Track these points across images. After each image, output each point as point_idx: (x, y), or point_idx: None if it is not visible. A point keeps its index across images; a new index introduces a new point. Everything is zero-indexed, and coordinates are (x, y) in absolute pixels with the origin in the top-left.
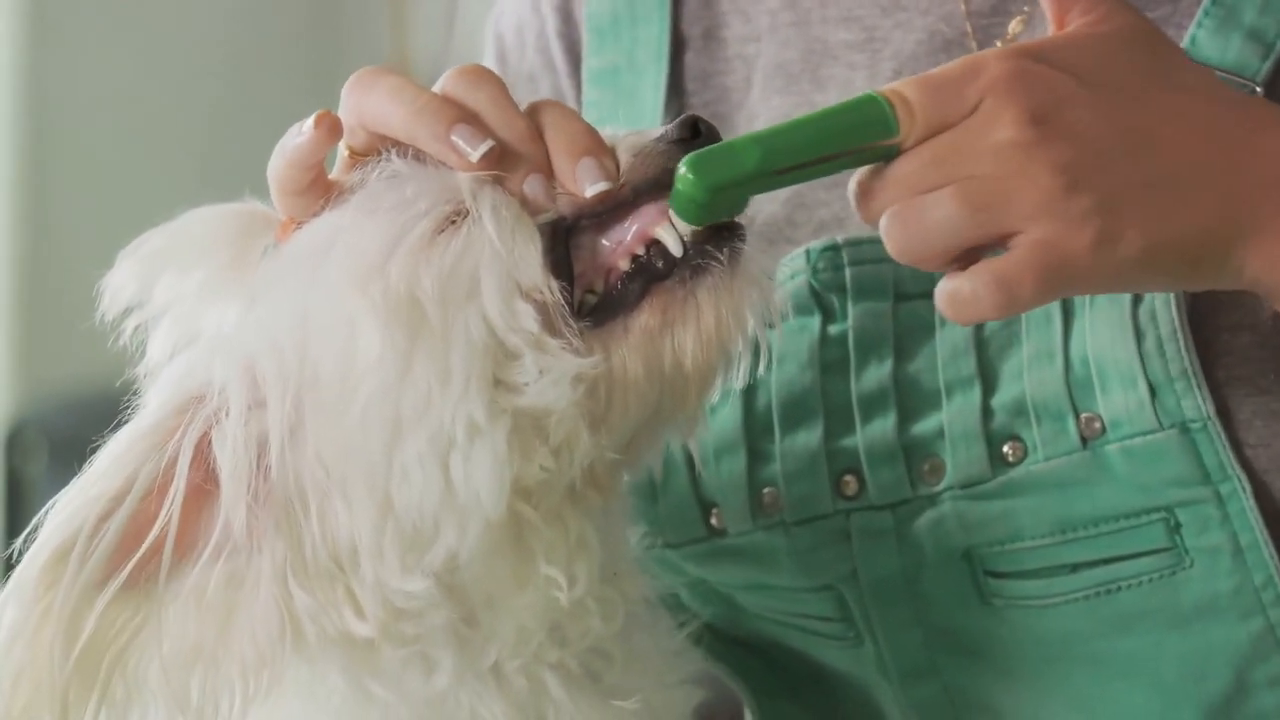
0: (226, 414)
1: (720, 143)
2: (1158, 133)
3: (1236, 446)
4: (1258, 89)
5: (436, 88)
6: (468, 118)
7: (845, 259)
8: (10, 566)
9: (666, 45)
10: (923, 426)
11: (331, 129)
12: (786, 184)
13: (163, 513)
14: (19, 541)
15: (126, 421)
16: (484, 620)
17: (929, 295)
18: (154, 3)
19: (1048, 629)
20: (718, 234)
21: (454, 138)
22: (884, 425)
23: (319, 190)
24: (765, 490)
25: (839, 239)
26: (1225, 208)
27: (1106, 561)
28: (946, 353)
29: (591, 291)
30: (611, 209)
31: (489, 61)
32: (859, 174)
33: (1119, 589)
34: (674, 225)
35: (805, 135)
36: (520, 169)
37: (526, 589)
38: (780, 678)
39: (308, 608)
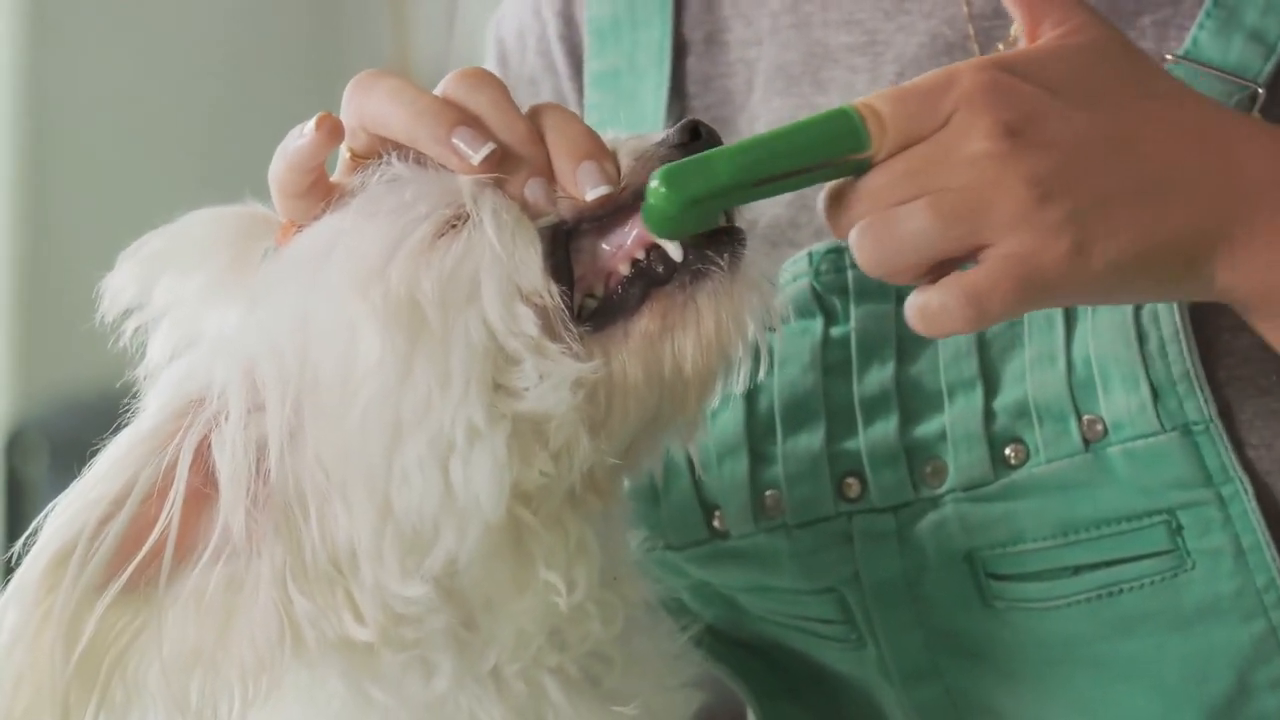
0: (226, 417)
1: (693, 156)
2: (1131, 144)
3: (1238, 448)
4: (1260, 90)
5: (438, 90)
6: (469, 120)
7: (848, 261)
8: (10, 569)
9: (668, 48)
10: (925, 429)
11: (332, 131)
12: (759, 197)
13: (163, 516)
14: (19, 544)
15: (126, 424)
16: (483, 624)
17: None
18: (154, 3)
19: (1049, 631)
20: (718, 239)
21: (455, 140)
22: (886, 427)
23: (320, 193)
24: (767, 492)
25: (842, 241)
26: (1198, 216)
27: (1108, 564)
28: (948, 355)
29: (592, 296)
30: (612, 213)
31: (490, 65)
32: (829, 187)
33: (1121, 591)
34: None
35: (777, 149)
36: (521, 172)
37: (526, 593)
38: (782, 679)
39: (307, 611)
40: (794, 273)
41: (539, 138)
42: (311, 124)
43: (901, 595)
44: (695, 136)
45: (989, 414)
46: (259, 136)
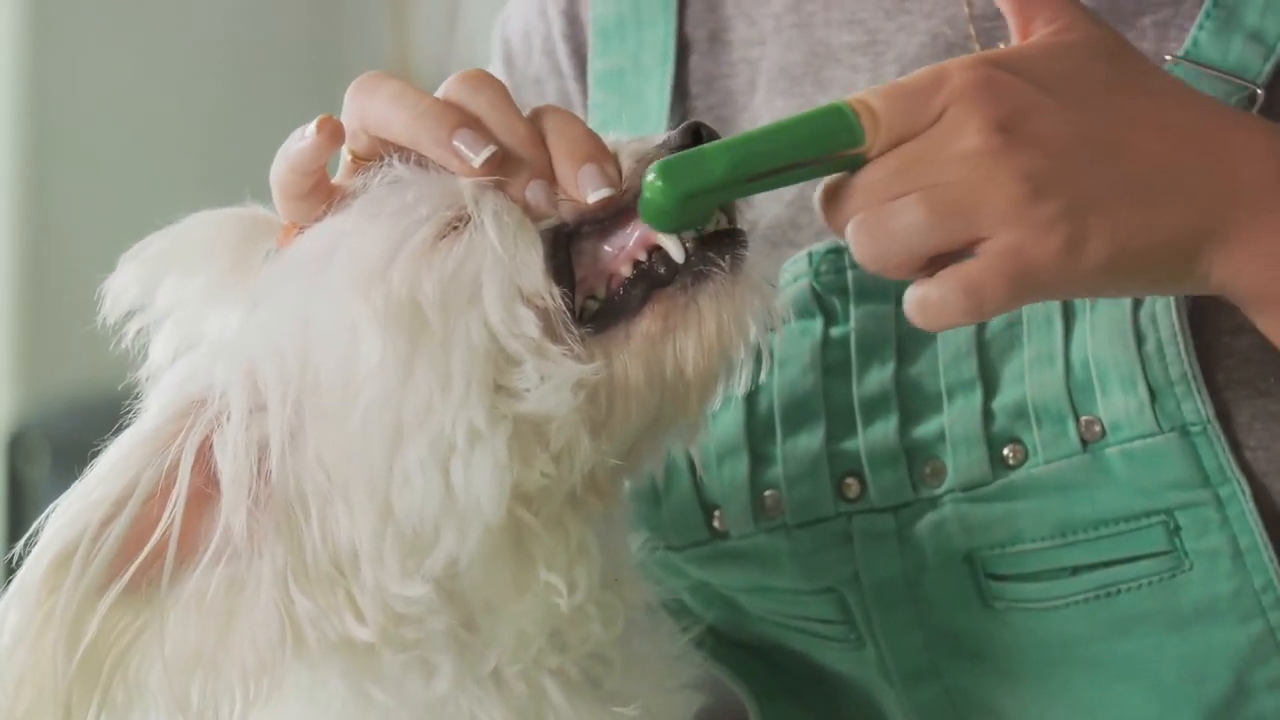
0: (228, 418)
1: (688, 150)
2: (1124, 139)
3: (1236, 449)
4: (1259, 91)
5: (439, 93)
6: (470, 123)
7: (848, 262)
8: (12, 571)
9: (672, 48)
10: (924, 429)
11: (333, 134)
12: (754, 192)
13: (164, 516)
14: (21, 546)
15: (128, 425)
16: (484, 625)
17: None
18: (155, 5)
19: (1048, 632)
20: (720, 240)
21: (456, 143)
22: (885, 428)
23: (321, 195)
24: (767, 493)
25: (842, 242)
26: (1192, 214)
27: (1106, 564)
28: (948, 355)
29: (593, 297)
30: (614, 215)
31: (496, 65)
32: (824, 183)
33: (1119, 592)
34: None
35: (772, 144)
36: (522, 174)
37: (526, 595)
38: (782, 680)
39: (308, 612)
40: (794, 273)
41: (540, 140)
42: (313, 126)
43: (901, 595)
44: (697, 139)
45: (988, 414)
46: (260, 138)
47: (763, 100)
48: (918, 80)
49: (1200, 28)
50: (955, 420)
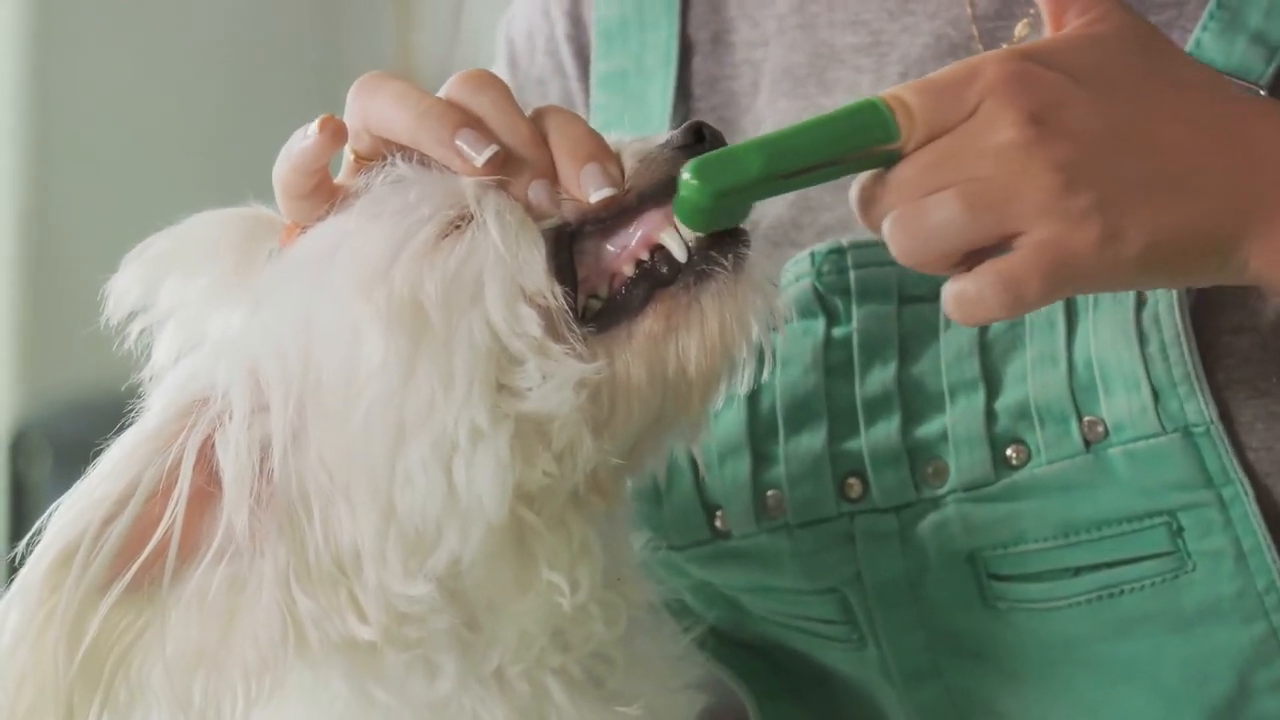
0: (230, 418)
1: (724, 148)
2: (1157, 130)
3: (1238, 450)
4: (1262, 92)
5: (441, 93)
6: (472, 122)
7: (850, 262)
8: (14, 570)
9: (675, 50)
10: (926, 429)
11: (336, 133)
12: (789, 189)
13: (166, 515)
14: (22, 545)
15: (130, 425)
16: (486, 625)
17: (933, 298)
18: (158, 5)
19: (1050, 632)
20: (722, 240)
21: (458, 142)
22: (888, 428)
23: (323, 194)
24: (769, 493)
25: (844, 242)
26: (1228, 204)
27: (1109, 565)
28: (950, 355)
29: (595, 297)
30: (616, 215)
31: (500, 66)
32: (860, 179)
33: (1121, 592)
34: (678, 231)
35: (807, 140)
36: (524, 174)
37: (529, 594)
38: (784, 680)
39: (310, 611)
40: (796, 273)
41: (542, 140)
42: (315, 126)
43: (903, 595)
44: (699, 139)
45: (990, 415)
46: (262, 138)
47: (766, 102)
48: (951, 74)
49: (1204, 29)
50: (958, 420)
